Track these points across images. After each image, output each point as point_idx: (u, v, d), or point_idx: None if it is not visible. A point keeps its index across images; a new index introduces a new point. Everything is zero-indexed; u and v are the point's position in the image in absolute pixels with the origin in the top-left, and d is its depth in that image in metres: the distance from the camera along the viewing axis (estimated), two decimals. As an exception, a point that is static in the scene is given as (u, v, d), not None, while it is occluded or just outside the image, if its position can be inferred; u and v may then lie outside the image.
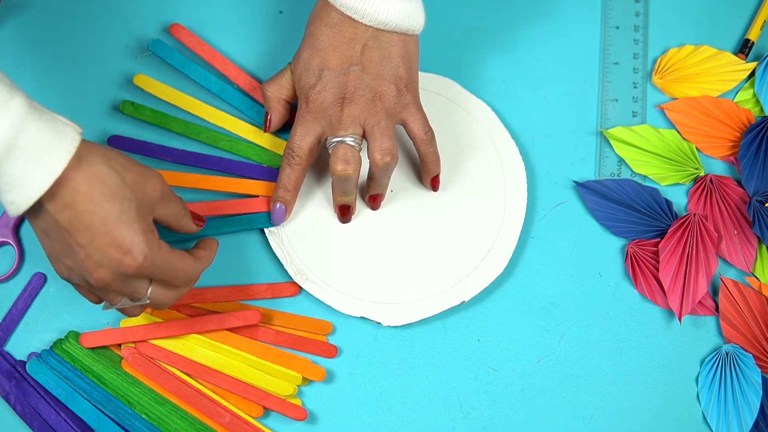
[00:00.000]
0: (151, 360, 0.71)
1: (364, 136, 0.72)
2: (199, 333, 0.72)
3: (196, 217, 0.68)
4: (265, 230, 0.75)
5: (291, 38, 0.81)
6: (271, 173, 0.76)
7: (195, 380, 0.71)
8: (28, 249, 0.75)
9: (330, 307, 0.73)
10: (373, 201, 0.75)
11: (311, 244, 0.75)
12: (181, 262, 0.63)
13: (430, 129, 0.73)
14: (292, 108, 0.77)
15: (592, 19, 0.82)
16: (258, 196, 0.76)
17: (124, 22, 0.80)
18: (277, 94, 0.74)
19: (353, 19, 0.69)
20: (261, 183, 0.76)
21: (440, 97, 0.79)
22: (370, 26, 0.69)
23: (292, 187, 0.73)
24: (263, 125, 0.76)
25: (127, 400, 0.70)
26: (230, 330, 0.72)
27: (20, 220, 0.75)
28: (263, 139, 0.77)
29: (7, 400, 0.70)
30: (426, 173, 0.75)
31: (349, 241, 0.75)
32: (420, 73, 0.78)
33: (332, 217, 0.75)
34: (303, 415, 0.70)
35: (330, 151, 0.71)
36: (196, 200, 0.76)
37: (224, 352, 0.72)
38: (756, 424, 0.71)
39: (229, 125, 0.78)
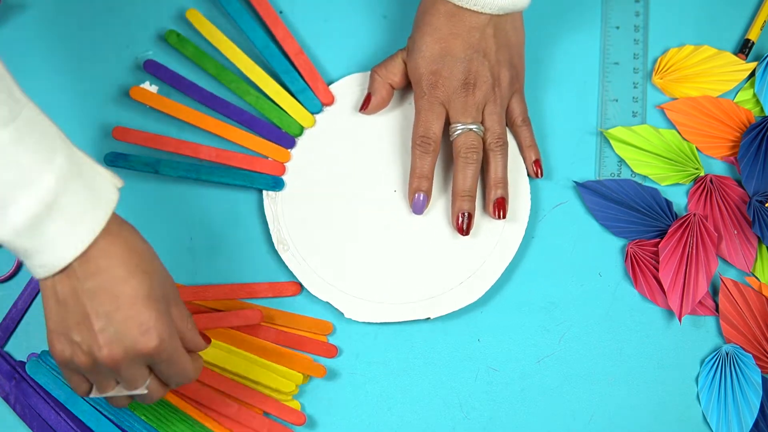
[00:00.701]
0: None
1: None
2: (200, 330, 0.72)
3: (203, 335, 0.65)
4: (264, 192, 0.76)
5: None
6: (285, 138, 0.77)
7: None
8: (28, 249, 0.75)
9: (330, 305, 0.73)
10: (500, 206, 0.74)
11: (302, 218, 0.75)
12: (186, 361, 0.61)
13: (527, 117, 0.76)
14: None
15: (592, 19, 0.82)
16: (267, 158, 0.77)
17: (125, 23, 0.81)
18: (386, 78, 0.75)
19: (472, 10, 0.71)
20: (273, 145, 0.77)
21: None
22: (488, 14, 0.71)
23: (431, 174, 0.74)
24: (362, 104, 0.76)
25: None
26: (231, 328, 0.72)
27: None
28: (288, 104, 0.78)
29: (7, 401, 0.70)
30: (524, 159, 0.76)
31: (340, 227, 0.75)
32: None
33: (332, 199, 0.75)
34: (302, 420, 0.70)
35: (454, 137, 0.73)
36: (209, 144, 0.77)
37: (225, 350, 0.72)
38: (756, 424, 0.71)
39: (261, 82, 0.78)
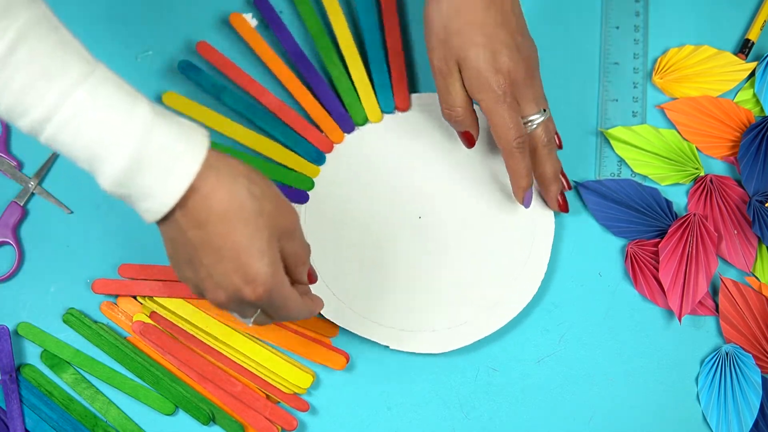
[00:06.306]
0: (162, 331, 0.72)
1: None
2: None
3: (312, 273, 0.65)
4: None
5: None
6: (347, 122, 0.78)
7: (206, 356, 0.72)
8: (28, 249, 0.75)
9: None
10: (564, 199, 0.75)
11: (323, 232, 0.74)
12: (294, 302, 0.61)
13: None
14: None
15: (592, 19, 0.82)
16: (321, 132, 0.77)
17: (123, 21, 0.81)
18: (468, 108, 0.71)
19: None
20: (333, 123, 0.78)
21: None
22: None
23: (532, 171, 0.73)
24: (465, 143, 0.73)
25: (93, 423, 0.70)
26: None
27: (19, 221, 0.75)
28: (364, 93, 0.78)
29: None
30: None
31: (359, 248, 0.74)
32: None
33: (355, 218, 0.75)
34: (305, 406, 0.70)
35: (532, 129, 0.71)
36: (276, 95, 0.78)
37: (241, 340, 0.72)
38: (756, 424, 0.71)
39: (351, 60, 0.79)
